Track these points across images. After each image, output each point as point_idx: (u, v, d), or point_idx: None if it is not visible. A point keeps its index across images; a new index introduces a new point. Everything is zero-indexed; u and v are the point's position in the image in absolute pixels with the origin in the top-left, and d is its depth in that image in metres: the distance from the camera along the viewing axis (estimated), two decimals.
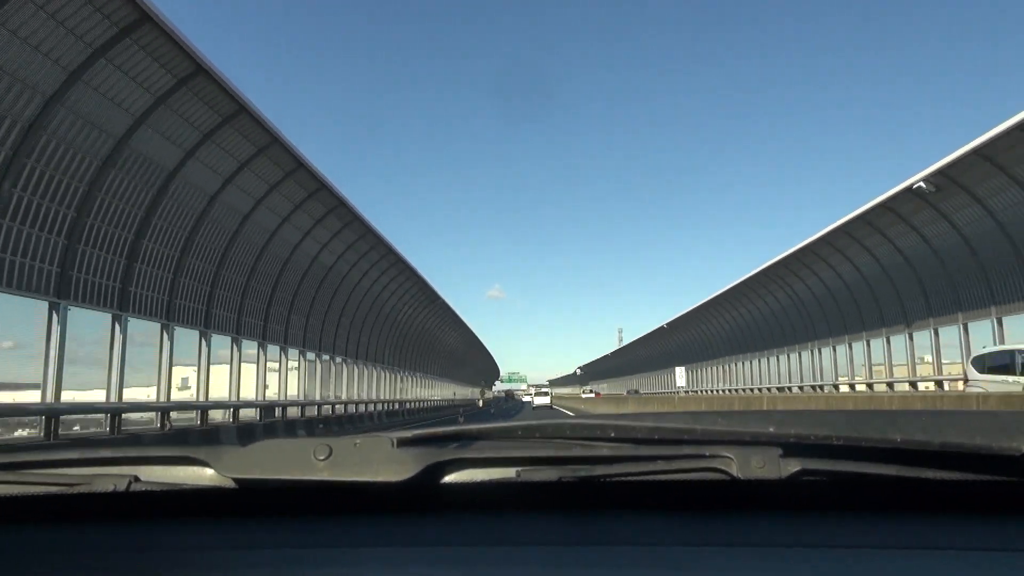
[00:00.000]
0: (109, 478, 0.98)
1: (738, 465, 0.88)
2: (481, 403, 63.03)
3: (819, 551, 0.79)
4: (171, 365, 16.17)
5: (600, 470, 0.92)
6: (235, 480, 0.94)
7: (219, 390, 18.54)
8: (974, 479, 0.86)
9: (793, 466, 0.87)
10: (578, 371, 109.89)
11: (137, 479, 0.98)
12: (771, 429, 0.94)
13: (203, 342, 17.72)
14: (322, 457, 0.92)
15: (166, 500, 0.97)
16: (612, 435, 1.01)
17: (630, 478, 0.91)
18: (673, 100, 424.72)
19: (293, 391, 23.71)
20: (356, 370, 30.01)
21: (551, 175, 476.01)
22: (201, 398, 17.29)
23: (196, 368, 17.62)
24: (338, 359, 28.37)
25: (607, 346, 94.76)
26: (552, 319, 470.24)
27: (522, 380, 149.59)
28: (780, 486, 0.88)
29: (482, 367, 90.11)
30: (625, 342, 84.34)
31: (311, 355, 25.65)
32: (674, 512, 0.91)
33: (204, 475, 0.98)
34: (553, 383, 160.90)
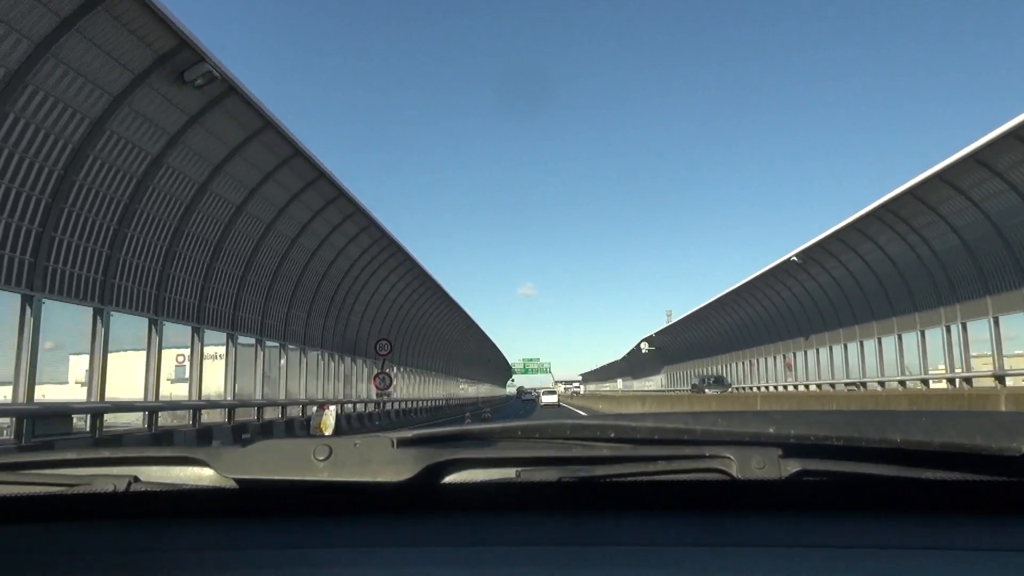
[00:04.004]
0: (109, 478, 1.03)
1: (738, 465, 0.92)
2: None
3: (819, 551, 0.84)
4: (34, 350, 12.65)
5: (600, 470, 0.96)
6: (235, 480, 0.99)
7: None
8: (974, 479, 0.90)
9: (793, 466, 0.92)
10: (644, 345, 65.60)
11: (137, 479, 1.03)
12: (771, 429, 0.98)
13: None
14: (322, 457, 0.98)
15: (166, 500, 1.03)
16: (612, 435, 1.07)
17: (630, 478, 0.96)
18: (677, 95, 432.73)
19: (215, 387, 19.27)
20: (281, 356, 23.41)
21: (565, 173, 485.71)
22: (95, 397, 14.11)
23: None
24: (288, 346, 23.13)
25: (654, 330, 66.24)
26: (587, 312, 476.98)
27: (544, 371, 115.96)
28: (780, 486, 0.92)
29: (489, 362, 74.21)
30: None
31: (246, 339, 20.77)
32: (674, 512, 0.96)
33: (204, 475, 1.03)
34: (587, 377, 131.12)
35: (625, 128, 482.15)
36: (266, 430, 18.87)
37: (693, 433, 1.02)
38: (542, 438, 1.11)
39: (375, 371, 27.59)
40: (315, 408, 14.61)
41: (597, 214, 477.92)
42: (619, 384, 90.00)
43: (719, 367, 48.58)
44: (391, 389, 27.77)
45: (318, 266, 24.53)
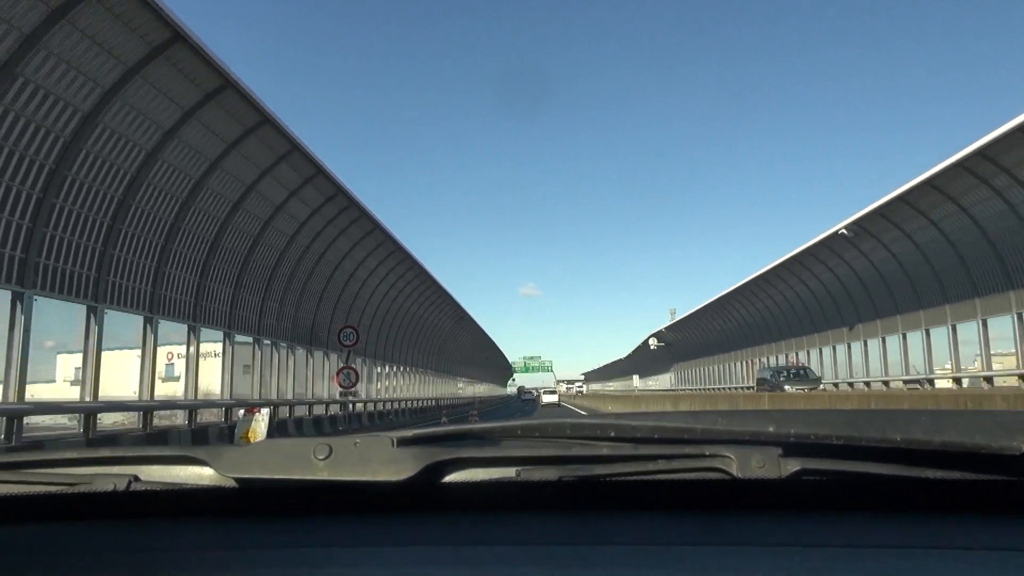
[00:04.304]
0: (109, 478, 1.04)
1: (738, 465, 0.94)
2: None
3: (819, 551, 0.85)
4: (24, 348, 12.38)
5: (600, 469, 0.98)
6: (235, 479, 1.01)
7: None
8: (974, 478, 0.92)
9: (793, 466, 0.93)
10: (652, 342, 59.13)
11: (137, 479, 1.05)
12: (771, 428, 1.00)
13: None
14: (322, 457, 0.99)
15: (166, 500, 1.04)
16: (612, 434, 1.08)
17: (630, 477, 0.97)
18: (678, 95, 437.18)
19: (207, 386, 18.51)
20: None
21: (566, 172, 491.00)
22: (88, 397, 13.68)
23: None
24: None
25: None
26: (590, 312, 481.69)
27: (545, 369, 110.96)
28: (780, 486, 0.94)
29: (487, 359, 69.66)
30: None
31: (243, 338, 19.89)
32: (674, 511, 0.97)
33: (204, 474, 1.05)
34: (589, 376, 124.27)
35: (625, 128, 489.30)
36: (156, 439, 15.22)
37: (693, 432, 1.04)
38: (542, 437, 1.12)
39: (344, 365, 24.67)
40: (242, 412, 12.76)
41: (599, 214, 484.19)
42: (635, 382, 79.79)
43: (740, 364, 43.35)
44: (357, 387, 23.27)
45: (308, 263, 23.84)
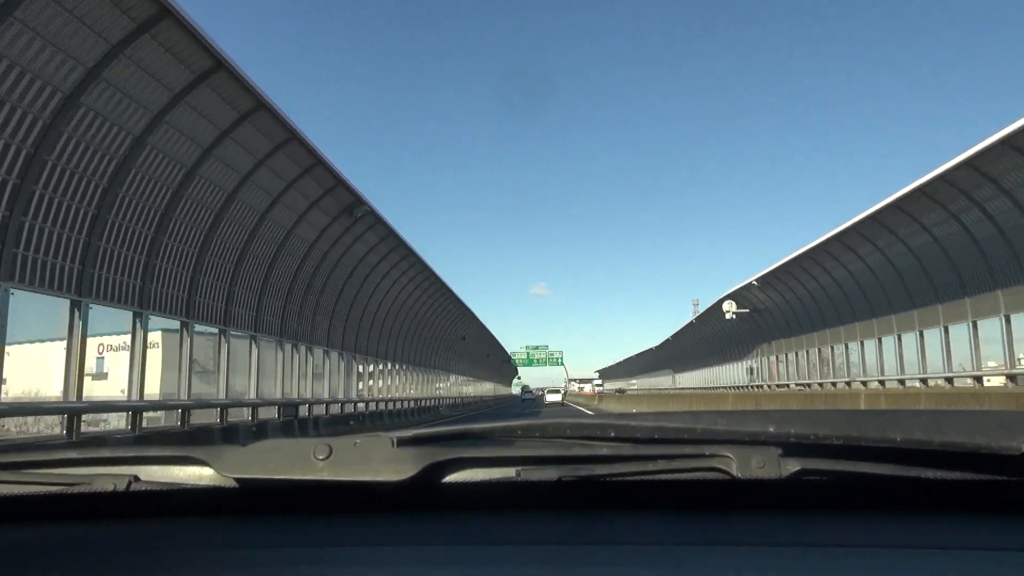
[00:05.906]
0: (109, 478, 1.08)
1: (738, 465, 0.97)
2: None
3: (819, 550, 0.88)
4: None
5: (600, 469, 1.01)
6: (235, 479, 1.04)
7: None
8: (974, 478, 0.95)
9: (793, 466, 0.97)
10: (729, 306, 35.80)
11: (137, 479, 1.08)
12: (771, 428, 1.03)
13: None
14: (322, 457, 1.02)
15: (166, 499, 1.08)
16: (612, 435, 1.12)
17: (630, 477, 1.01)
18: (681, 93, 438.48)
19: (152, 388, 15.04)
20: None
21: (571, 171, 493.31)
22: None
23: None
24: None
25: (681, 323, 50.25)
26: (602, 310, 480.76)
27: (554, 362, 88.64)
28: (780, 486, 0.97)
29: (469, 344, 53.21)
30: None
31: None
32: (674, 511, 1.00)
33: (204, 475, 1.08)
34: (605, 373, 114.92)
35: (629, 125, 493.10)
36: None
37: (693, 432, 1.07)
38: (542, 437, 1.15)
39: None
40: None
41: (606, 211, 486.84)
42: (636, 381, 60.41)
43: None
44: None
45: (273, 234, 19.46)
